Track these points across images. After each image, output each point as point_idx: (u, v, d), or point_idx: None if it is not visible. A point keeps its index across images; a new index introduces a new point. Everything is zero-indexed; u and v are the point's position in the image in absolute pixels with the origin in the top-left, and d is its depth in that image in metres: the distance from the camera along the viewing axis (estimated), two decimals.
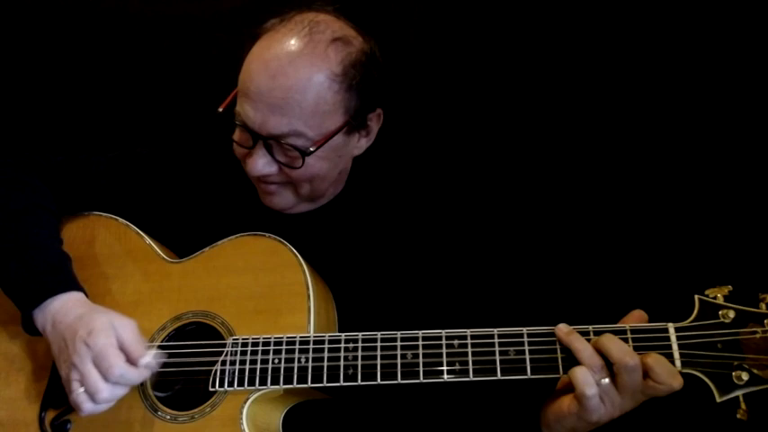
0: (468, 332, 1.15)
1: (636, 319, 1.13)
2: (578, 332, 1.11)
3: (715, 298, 1.11)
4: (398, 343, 1.16)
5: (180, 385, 1.26)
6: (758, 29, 1.51)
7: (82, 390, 1.13)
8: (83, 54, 1.87)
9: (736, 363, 1.07)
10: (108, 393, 1.13)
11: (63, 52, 1.88)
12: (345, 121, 1.25)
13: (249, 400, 1.18)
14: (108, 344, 1.14)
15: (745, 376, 1.06)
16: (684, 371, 1.08)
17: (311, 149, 1.23)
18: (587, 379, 1.06)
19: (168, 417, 1.21)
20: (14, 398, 1.27)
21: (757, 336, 1.07)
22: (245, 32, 1.28)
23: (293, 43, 1.20)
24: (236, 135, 1.29)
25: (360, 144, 1.34)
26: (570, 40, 1.61)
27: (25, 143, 1.86)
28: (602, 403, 1.07)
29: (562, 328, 1.11)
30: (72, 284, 1.25)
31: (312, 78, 1.19)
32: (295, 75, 1.19)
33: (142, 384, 1.23)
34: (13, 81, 1.89)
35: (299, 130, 1.20)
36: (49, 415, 1.24)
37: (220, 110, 1.26)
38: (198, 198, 1.41)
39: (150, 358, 1.16)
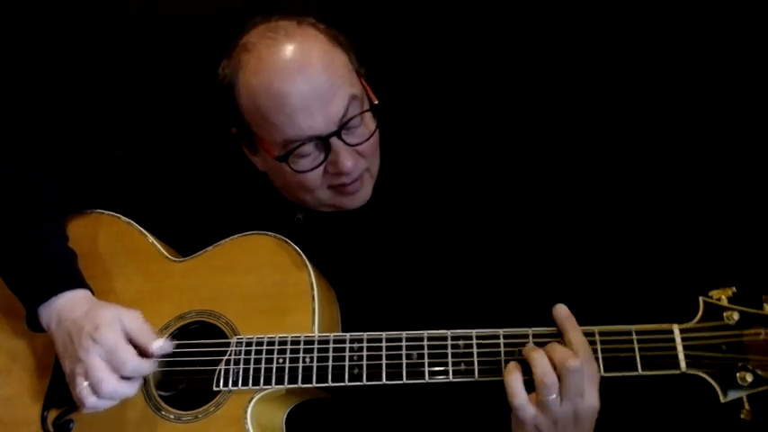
0: (474, 332, 1.15)
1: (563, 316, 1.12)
2: (584, 333, 1.11)
3: (719, 299, 1.11)
4: (404, 343, 1.16)
5: (184, 385, 1.25)
6: (758, 29, 1.52)
7: (86, 383, 1.13)
8: (83, 54, 1.87)
9: (740, 364, 1.07)
10: (111, 387, 1.12)
11: (64, 52, 1.87)
12: (359, 75, 1.27)
13: (253, 400, 1.18)
14: (117, 338, 1.14)
15: (749, 377, 1.06)
16: (689, 372, 1.08)
17: (375, 103, 1.24)
18: (516, 390, 1.07)
19: (172, 416, 1.20)
20: (16, 396, 1.26)
21: (761, 337, 1.07)
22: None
23: (285, 43, 1.19)
24: (299, 164, 1.23)
25: None
26: (575, 39, 1.62)
27: (26, 141, 1.85)
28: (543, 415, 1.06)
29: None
30: (78, 282, 1.25)
31: (326, 51, 1.21)
32: (315, 58, 1.19)
33: (146, 383, 1.23)
34: (14, 81, 1.87)
35: (352, 93, 1.21)
36: (52, 414, 1.24)
37: (277, 154, 1.22)
38: (203, 197, 1.40)
39: (162, 342, 1.17)
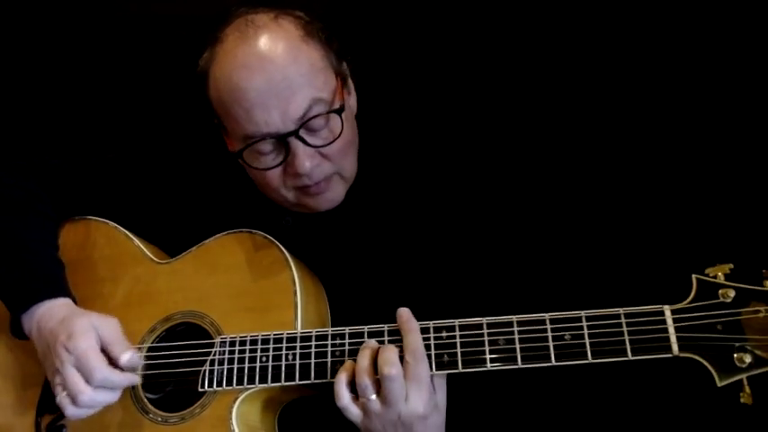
0: (457, 322, 1.11)
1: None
2: (571, 318, 1.07)
3: (715, 277, 1.05)
4: (386, 338, 1.13)
5: (171, 387, 1.25)
6: (758, 29, 1.45)
7: (65, 394, 1.14)
8: (82, 54, 1.88)
9: (737, 344, 1.01)
10: (89, 397, 1.13)
11: (63, 52, 1.88)
12: (336, 73, 1.24)
13: (238, 400, 1.17)
14: (88, 347, 1.14)
15: (747, 358, 1.00)
16: (682, 355, 1.02)
17: (340, 106, 1.21)
18: (338, 391, 1.09)
19: (159, 418, 1.20)
20: (11, 403, 1.28)
21: (761, 315, 1.01)
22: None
23: (251, 38, 1.18)
24: (260, 161, 1.22)
25: (352, 103, 1.32)
26: (571, 38, 1.57)
27: (24, 144, 1.87)
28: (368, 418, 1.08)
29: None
30: (60, 290, 1.26)
31: (291, 47, 1.18)
32: (277, 54, 1.17)
33: (134, 387, 1.23)
34: (13, 81, 1.90)
35: (316, 96, 1.18)
36: (45, 420, 1.25)
37: (237, 149, 1.21)
38: (195, 200, 1.39)
39: (131, 356, 1.17)
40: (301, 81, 1.17)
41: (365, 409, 1.08)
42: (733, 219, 1.38)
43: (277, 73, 1.15)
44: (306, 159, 1.19)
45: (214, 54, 1.22)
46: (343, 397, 1.09)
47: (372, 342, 1.12)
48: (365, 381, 1.07)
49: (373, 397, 1.07)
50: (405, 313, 1.12)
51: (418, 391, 1.07)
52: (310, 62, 1.19)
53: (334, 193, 1.27)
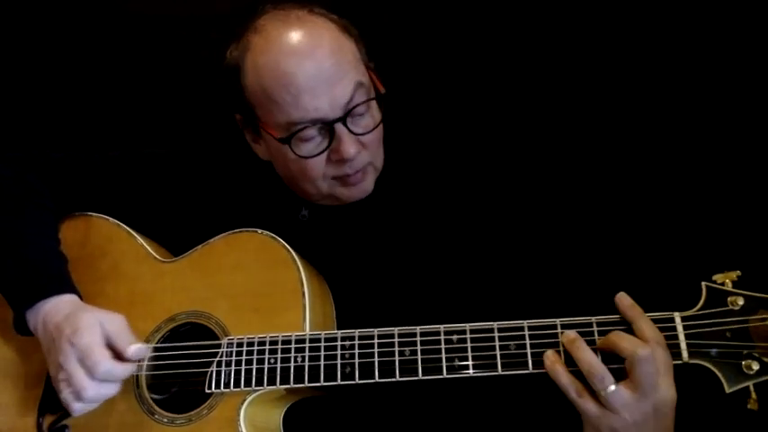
0: (468, 327, 1.11)
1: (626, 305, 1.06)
2: (581, 324, 1.07)
3: (723, 284, 1.06)
4: (396, 339, 1.13)
5: (177, 387, 1.24)
6: (758, 29, 1.47)
7: (69, 390, 1.13)
8: (82, 53, 1.87)
9: (745, 351, 1.02)
10: (93, 392, 1.13)
11: (63, 52, 1.87)
12: (367, 67, 1.27)
13: (246, 401, 1.16)
14: (92, 341, 1.13)
15: (755, 366, 1.01)
16: (692, 361, 1.04)
17: (382, 92, 1.23)
18: (566, 386, 1.02)
19: (165, 420, 1.19)
20: (12, 404, 1.26)
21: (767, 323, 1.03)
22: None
23: (295, 25, 1.19)
24: (301, 148, 1.21)
25: None
26: (573, 39, 1.57)
27: (24, 142, 1.85)
28: (608, 411, 1.01)
29: (569, 335, 1.06)
30: (65, 286, 1.24)
31: (335, 36, 1.22)
32: (324, 41, 1.19)
33: (138, 387, 1.22)
34: (13, 80, 1.88)
35: (359, 80, 1.21)
36: (47, 420, 1.23)
37: (280, 136, 1.21)
38: (206, 196, 1.38)
39: (138, 348, 1.17)
40: (347, 67, 1.19)
41: (606, 403, 1.00)
42: (741, 225, 1.40)
43: (326, 60, 1.17)
44: (353, 147, 1.20)
45: (250, 44, 1.21)
46: (572, 391, 1.02)
47: (571, 333, 1.05)
48: (601, 371, 1.00)
49: (613, 387, 1.00)
50: (626, 299, 1.06)
51: (668, 376, 1.01)
52: (352, 52, 1.23)
53: (367, 184, 1.29)
